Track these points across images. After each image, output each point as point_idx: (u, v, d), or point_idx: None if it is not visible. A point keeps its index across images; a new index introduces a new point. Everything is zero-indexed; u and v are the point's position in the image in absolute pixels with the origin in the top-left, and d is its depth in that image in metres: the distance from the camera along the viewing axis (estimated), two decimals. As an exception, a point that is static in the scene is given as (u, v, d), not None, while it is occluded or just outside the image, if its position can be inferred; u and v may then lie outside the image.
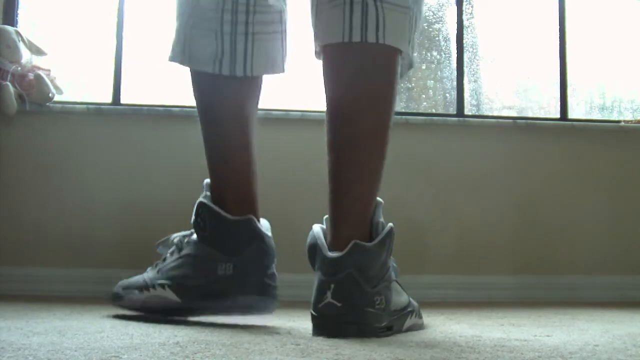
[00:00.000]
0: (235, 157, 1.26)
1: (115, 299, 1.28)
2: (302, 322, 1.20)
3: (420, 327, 1.18)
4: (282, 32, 1.28)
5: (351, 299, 0.98)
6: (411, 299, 1.17)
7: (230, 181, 1.24)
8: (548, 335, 1.08)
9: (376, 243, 1.02)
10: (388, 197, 2.10)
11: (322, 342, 0.92)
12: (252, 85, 1.30)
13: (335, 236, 1.04)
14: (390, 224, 1.07)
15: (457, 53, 2.34)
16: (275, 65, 1.28)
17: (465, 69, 2.34)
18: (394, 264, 1.14)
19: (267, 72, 1.28)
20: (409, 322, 1.12)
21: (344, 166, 1.06)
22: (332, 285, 0.99)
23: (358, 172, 1.06)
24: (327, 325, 0.99)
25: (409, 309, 1.13)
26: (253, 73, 1.25)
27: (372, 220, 1.08)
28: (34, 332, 0.99)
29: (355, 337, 0.96)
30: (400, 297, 1.11)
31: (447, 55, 2.40)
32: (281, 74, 1.32)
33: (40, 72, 2.02)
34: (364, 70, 1.08)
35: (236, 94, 1.28)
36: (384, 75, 1.11)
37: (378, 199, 1.10)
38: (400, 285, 1.14)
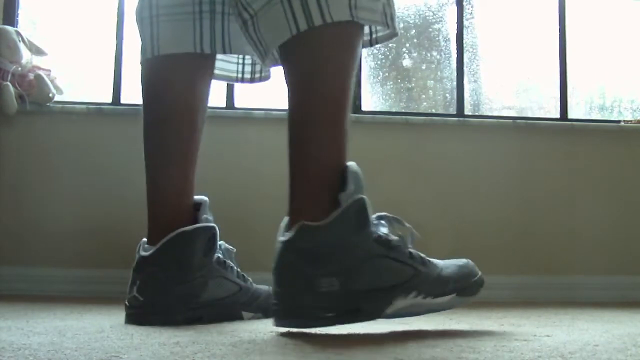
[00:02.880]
0: (178, 160, 1.28)
1: None
2: (302, 322, 1.20)
3: (439, 307, 1.07)
4: (199, 13, 1.25)
5: (288, 286, 0.98)
6: (428, 271, 1.04)
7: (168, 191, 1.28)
8: (548, 335, 1.08)
9: (329, 222, 0.98)
10: (388, 197, 2.11)
11: (321, 342, 0.92)
12: (197, 76, 1.28)
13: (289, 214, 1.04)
14: (359, 196, 1.02)
15: (457, 53, 2.34)
16: (184, 43, 1.24)
17: (465, 69, 2.34)
18: (398, 234, 1.06)
19: (173, 50, 1.24)
20: (400, 303, 1.02)
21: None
22: (275, 272, 1.00)
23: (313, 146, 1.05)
24: (274, 313, 1.00)
25: (405, 286, 1.02)
26: (160, 52, 1.25)
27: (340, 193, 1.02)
28: (34, 332, 0.99)
29: (302, 327, 0.99)
30: (390, 274, 1.01)
31: (447, 55, 2.40)
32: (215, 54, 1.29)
33: (41, 72, 2.02)
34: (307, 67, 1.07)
35: (181, 80, 1.26)
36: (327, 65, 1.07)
37: (353, 167, 1.06)
38: (411, 256, 1.04)
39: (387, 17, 1.11)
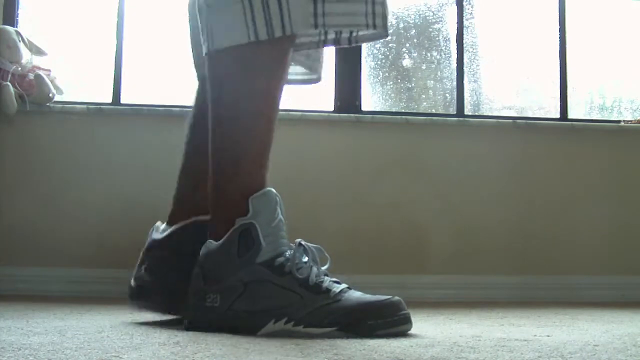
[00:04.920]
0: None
1: None
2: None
3: (296, 333, 1.01)
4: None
5: (191, 294, 1.07)
6: (311, 300, 1.02)
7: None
8: (548, 335, 1.08)
9: (220, 243, 1.06)
10: (388, 197, 2.11)
11: (321, 342, 0.92)
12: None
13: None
14: (247, 221, 1.04)
15: (457, 53, 2.34)
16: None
17: (465, 69, 2.34)
18: (304, 261, 1.05)
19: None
20: (271, 327, 1.01)
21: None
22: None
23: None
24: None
25: (277, 312, 1.02)
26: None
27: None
28: (34, 332, 0.99)
29: (188, 330, 1.04)
30: (268, 299, 1.03)
31: (447, 55, 2.40)
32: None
33: (41, 72, 2.02)
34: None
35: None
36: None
37: (262, 194, 1.06)
38: (304, 284, 1.03)
39: (376, 17, 1.08)
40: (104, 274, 1.96)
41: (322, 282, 1.05)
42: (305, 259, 1.06)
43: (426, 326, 1.20)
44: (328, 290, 1.03)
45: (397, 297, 1.05)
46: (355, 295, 1.04)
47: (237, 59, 1.07)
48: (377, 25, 1.09)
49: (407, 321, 1.04)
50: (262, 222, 1.05)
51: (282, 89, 1.10)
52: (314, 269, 1.06)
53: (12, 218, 1.99)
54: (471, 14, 2.39)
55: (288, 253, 1.06)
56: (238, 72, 1.08)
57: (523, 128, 2.21)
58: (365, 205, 2.09)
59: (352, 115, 2.15)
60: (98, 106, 2.08)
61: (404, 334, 1.03)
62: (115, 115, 2.07)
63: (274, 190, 1.08)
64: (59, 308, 1.43)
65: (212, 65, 1.10)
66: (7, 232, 1.98)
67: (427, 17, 2.40)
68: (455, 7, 2.35)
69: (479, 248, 2.12)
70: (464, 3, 2.36)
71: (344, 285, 1.06)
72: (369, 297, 1.04)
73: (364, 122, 2.15)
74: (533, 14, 2.45)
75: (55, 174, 2.02)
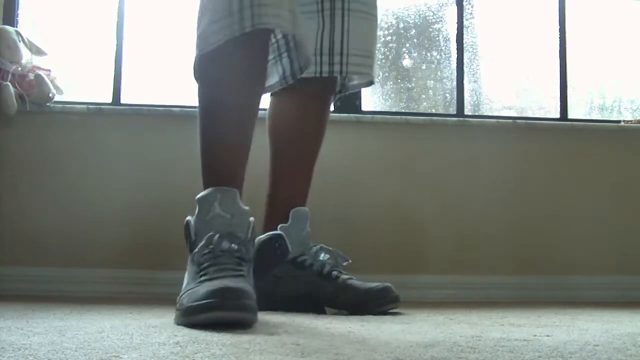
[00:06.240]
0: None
1: None
2: (302, 322, 1.20)
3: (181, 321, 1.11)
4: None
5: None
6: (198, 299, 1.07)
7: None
8: (548, 335, 1.08)
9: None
10: (388, 197, 2.11)
11: (321, 342, 0.92)
12: None
13: None
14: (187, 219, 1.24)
15: (457, 53, 2.34)
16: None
17: (465, 69, 2.34)
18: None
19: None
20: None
21: None
22: None
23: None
24: None
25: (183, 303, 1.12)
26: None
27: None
28: (34, 332, 0.99)
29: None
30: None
31: (447, 55, 2.40)
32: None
33: (41, 72, 2.02)
34: None
35: None
36: None
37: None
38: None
39: (244, 20, 1.26)
40: (104, 274, 1.96)
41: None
42: (206, 250, 1.17)
43: (426, 326, 1.20)
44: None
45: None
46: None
47: (208, 64, 1.27)
48: (245, 27, 1.22)
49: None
50: (197, 218, 1.21)
51: (253, 91, 1.29)
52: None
53: (12, 218, 1.99)
54: (471, 14, 2.39)
55: (211, 246, 1.18)
56: (208, 75, 1.27)
57: (523, 128, 2.21)
58: (365, 205, 2.09)
59: (352, 115, 2.15)
60: (98, 106, 2.08)
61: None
62: (115, 115, 2.07)
63: (228, 188, 1.21)
64: (59, 308, 1.43)
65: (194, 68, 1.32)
66: (7, 232, 1.98)
67: (427, 17, 2.40)
68: (455, 7, 2.35)
69: (479, 248, 2.12)
70: (464, 3, 2.36)
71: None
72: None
73: (364, 122, 2.15)
74: (533, 14, 2.45)
75: (55, 174, 2.02)
